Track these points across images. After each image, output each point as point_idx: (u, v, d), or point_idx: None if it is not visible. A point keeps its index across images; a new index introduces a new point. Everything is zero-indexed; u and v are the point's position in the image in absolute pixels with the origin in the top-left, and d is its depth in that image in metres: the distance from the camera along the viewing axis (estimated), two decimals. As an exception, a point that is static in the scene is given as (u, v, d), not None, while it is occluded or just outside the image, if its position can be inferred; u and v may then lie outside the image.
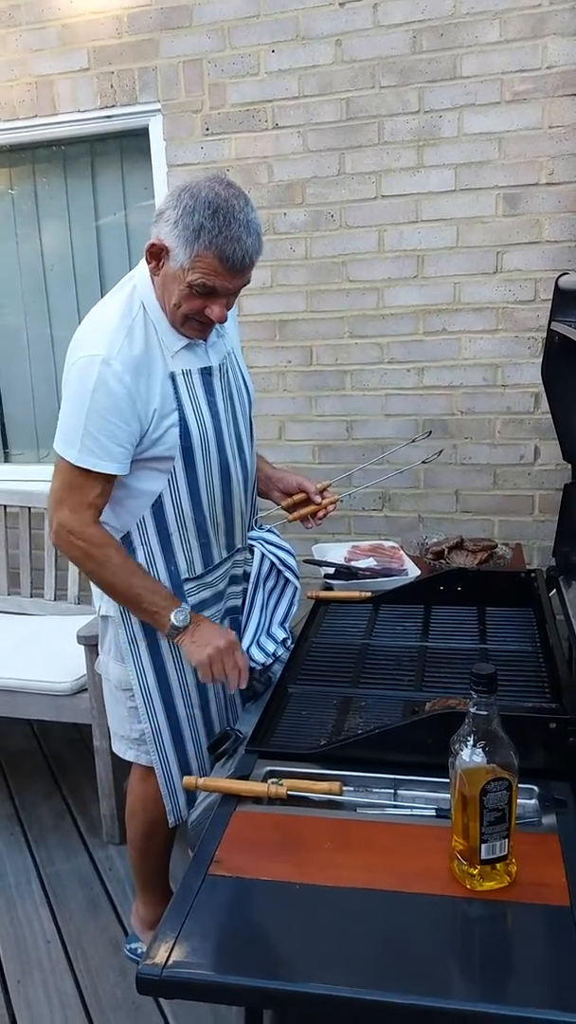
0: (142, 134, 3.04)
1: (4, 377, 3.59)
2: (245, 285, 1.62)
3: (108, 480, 1.63)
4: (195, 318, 1.62)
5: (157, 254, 1.58)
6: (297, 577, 1.90)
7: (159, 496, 1.68)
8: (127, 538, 1.71)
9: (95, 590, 1.81)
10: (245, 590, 1.85)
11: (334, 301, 2.92)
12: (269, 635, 1.84)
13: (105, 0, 2.91)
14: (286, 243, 2.91)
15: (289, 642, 1.84)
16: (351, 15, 2.69)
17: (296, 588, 1.90)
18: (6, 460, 3.65)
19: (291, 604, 1.89)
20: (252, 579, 1.83)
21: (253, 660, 1.76)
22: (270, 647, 1.81)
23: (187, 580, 1.73)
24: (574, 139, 2.57)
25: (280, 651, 1.81)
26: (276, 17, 2.76)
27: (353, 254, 2.86)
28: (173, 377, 1.64)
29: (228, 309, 1.63)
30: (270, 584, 1.87)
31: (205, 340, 1.70)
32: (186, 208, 1.51)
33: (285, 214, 2.89)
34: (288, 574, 1.87)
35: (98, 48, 2.97)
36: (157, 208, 1.61)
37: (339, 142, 2.79)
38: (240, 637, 1.76)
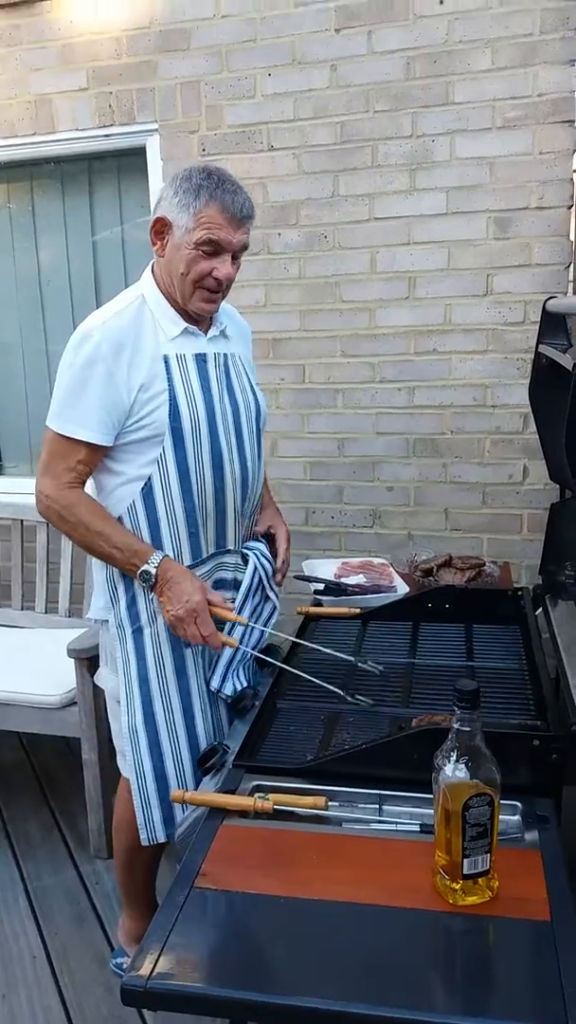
0: (139, 153, 3.08)
1: (-2, 391, 3.61)
2: (245, 248, 1.70)
3: (91, 450, 1.68)
4: (204, 286, 1.68)
5: (161, 230, 1.68)
6: (277, 596, 1.91)
7: (148, 480, 1.70)
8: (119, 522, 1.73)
9: (93, 593, 1.83)
10: (232, 598, 1.80)
11: (327, 320, 2.95)
12: (243, 667, 1.83)
13: (105, 21, 2.96)
14: (280, 263, 2.95)
15: (255, 681, 1.84)
16: (346, 41, 2.74)
17: (275, 607, 1.91)
18: (0, 473, 3.67)
19: (266, 626, 1.89)
20: (242, 592, 1.80)
21: (224, 692, 1.78)
22: (240, 683, 1.81)
23: None
24: (564, 165, 2.62)
25: (249, 689, 1.78)
26: (273, 42, 2.81)
27: (346, 275, 2.90)
28: (166, 359, 1.70)
29: (234, 271, 1.69)
30: (256, 600, 1.87)
31: (213, 314, 1.76)
32: (183, 178, 1.65)
33: (279, 234, 2.93)
34: (270, 592, 1.90)
35: (97, 68, 3.01)
36: (156, 200, 1.71)
37: (333, 164, 2.83)
38: (217, 663, 1.79)
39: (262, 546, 1.90)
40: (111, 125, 3.05)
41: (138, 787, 1.75)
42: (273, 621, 1.91)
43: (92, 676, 2.42)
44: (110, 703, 1.90)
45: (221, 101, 2.90)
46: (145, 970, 0.99)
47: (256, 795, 1.31)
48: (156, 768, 1.75)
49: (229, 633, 1.74)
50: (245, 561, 1.85)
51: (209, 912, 1.11)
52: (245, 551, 1.86)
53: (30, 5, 3.02)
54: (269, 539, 1.97)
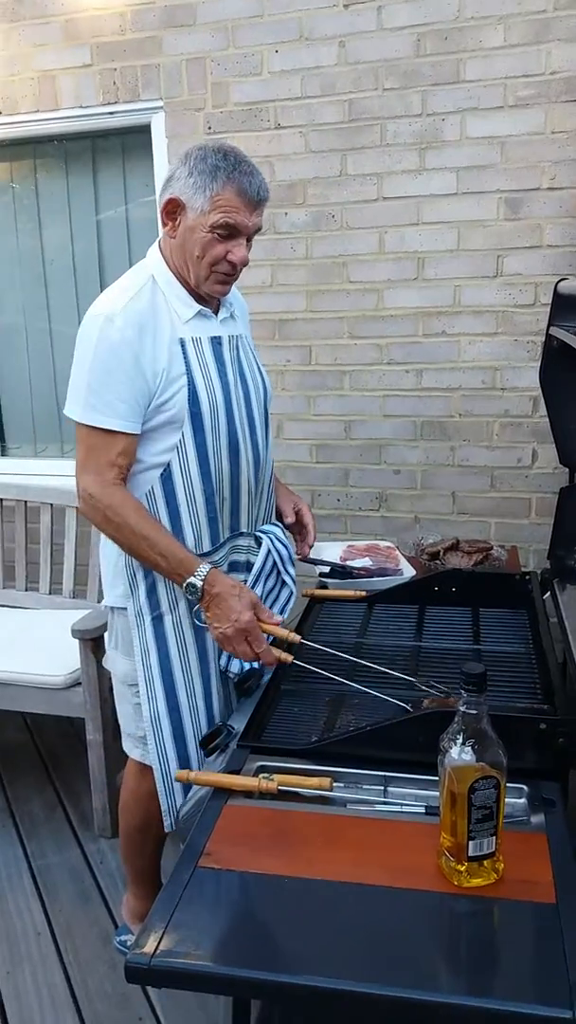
0: (144, 131, 3.05)
1: (2, 371, 3.59)
2: (259, 230, 1.67)
3: (128, 439, 1.63)
4: (219, 269, 1.64)
5: (173, 211, 1.63)
6: (294, 581, 1.89)
7: (168, 465, 1.67)
8: None
9: (104, 580, 1.81)
10: (244, 580, 1.78)
11: (334, 301, 2.93)
12: None
13: (110, -3, 2.92)
14: (287, 243, 2.92)
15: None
16: (355, 17, 2.70)
17: (292, 592, 1.89)
18: (3, 454, 3.66)
19: (283, 611, 1.87)
20: (255, 572, 1.78)
21: (230, 670, 1.76)
22: (247, 663, 1.77)
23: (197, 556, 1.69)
24: None
25: (255, 670, 1.76)
26: (280, 17, 2.77)
27: (354, 255, 2.87)
28: (182, 342, 1.66)
29: (247, 252, 1.66)
30: (270, 583, 1.85)
31: (224, 296, 1.74)
32: (197, 158, 1.59)
33: (286, 214, 2.90)
34: (286, 576, 1.87)
35: (101, 44, 2.98)
36: (165, 177, 1.66)
37: (341, 143, 2.80)
38: None
39: (278, 530, 1.88)
40: (115, 102, 3.01)
41: (162, 774, 1.73)
42: (290, 606, 1.89)
43: (96, 657, 2.42)
44: (118, 686, 1.88)
45: (227, 78, 2.87)
46: (149, 948, 0.99)
47: (261, 775, 1.31)
48: (180, 755, 1.74)
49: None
50: (258, 543, 1.83)
51: (213, 891, 1.11)
52: (259, 534, 1.84)
53: (35, -21, 2.98)
54: (297, 516, 1.97)
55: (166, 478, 1.67)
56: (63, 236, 3.34)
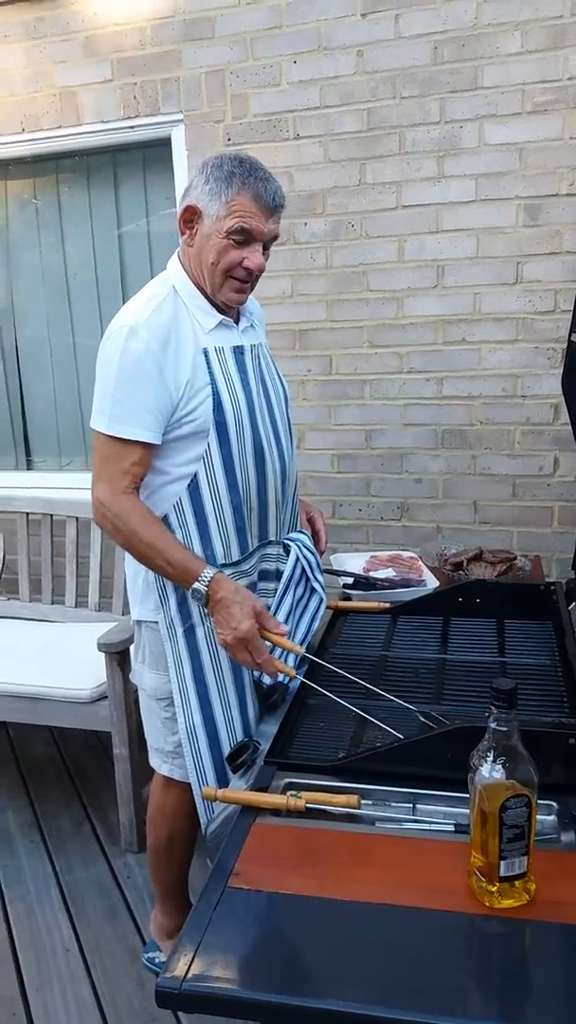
0: (164, 144, 3.07)
1: (27, 385, 3.62)
2: (275, 238, 1.68)
3: (145, 449, 1.62)
4: (234, 276, 1.65)
5: (190, 219, 1.65)
6: (323, 588, 1.89)
7: (195, 476, 1.67)
8: (164, 521, 1.68)
9: (132, 595, 1.82)
10: (274, 590, 1.80)
11: (354, 310, 2.92)
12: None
13: (129, 12, 2.94)
14: (307, 252, 2.92)
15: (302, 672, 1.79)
16: (372, 26, 2.70)
17: (322, 600, 1.89)
18: (29, 468, 3.69)
19: (313, 619, 1.87)
20: (284, 580, 1.79)
21: (263, 681, 1.74)
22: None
23: (224, 566, 1.70)
24: (596, 149, 2.57)
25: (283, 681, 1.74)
26: (298, 28, 2.78)
27: (373, 264, 2.87)
28: (205, 352, 1.66)
29: (264, 260, 1.66)
30: (299, 591, 1.84)
31: (241, 304, 1.74)
32: (214, 166, 1.61)
33: (306, 224, 2.90)
34: (316, 584, 1.87)
35: (122, 59, 3.00)
36: (184, 189, 1.68)
37: (360, 152, 2.80)
38: None
39: (305, 538, 1.88)
40: (136, 116, 3.03)
41: (199, 785, 1.73)
42: (320, 614, 1.89)
43: (123, 670, 2.42)
44: (146, 700, 1.87)
45: (246, 90, 2.88)
46: (180, 971, 0.99)
47: (288, 793, 1.30)
48: (217, 767, 1.73)
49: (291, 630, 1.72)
50: (287, 552, 1.83)
51: (242, 912, 1.10)
52: (287, 542, 1.84)
53: (54, -3, 3.01)
54: (310, 523, 1.98)
55: (193, 489, 1.68)
56: (85, 250, 3.37)
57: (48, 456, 3.67)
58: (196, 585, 1.60)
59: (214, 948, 1.03)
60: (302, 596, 1.85)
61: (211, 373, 1.66)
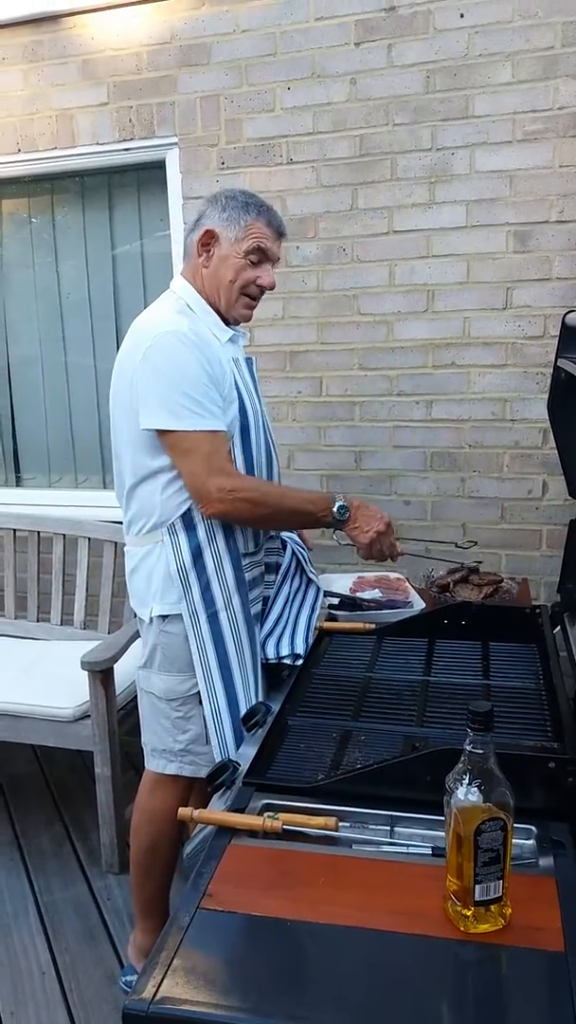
0: (159, 167, 3.10)
1: (18, 402, 3.63)
2: (278, 260, 1.88)
3: (226, 437, 1.76)
4: (248, 293, 1.83)
5: (208, 242, 1.81)
6: (318, 579, 2.03)
7: None
8: (188, 514, 1.77)
9: (149, 595, 1.84)
10: (272, 582, 1.97)
11: (344, 333, 2.94)
12: (291, 639, 1.89)
13: (126, 37, 2.98)
14: (298, 276, 2.95)
15: (300, 659, 1.86)
16: (366, 55, 2.74)
17: (319, 589, 2.02)
18: (17, 484, 3.68)
19: (313, 610, 1.97)
20: (281, 572, 1.95)
21: (265, 654, 1.85)
22: (284, 649, 1.86)
23: (244, 555, 1.84)
24: (585, 178, 2.60)
25: (289, 659, 1.85)
26: (292, 56, 2.82)
27: (364, 288, 2.89)
28: (230, 361, 1.81)
29: (273, 278, 1.85)
30: (296, 583, 1.99)
31: (248, 320, 1.90)
32: (228, 197, 1.81)
33: (298, 247, 2.92)
34: (312, 575, 2.00)
35: (118, 83, 3.03)
36: (192, 219, 1.87)
37: (352, 178, 2.83)
38: (260, 626, 1.88)
39: (294, 535, 2.07)
40: (131, 139, 3.07)
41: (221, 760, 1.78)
42: (319, 604, 2.00)
43: (106, 689, 2.41)
44: (153, 703, 1.89)
45: (240, 115, 2.91)
46: (148, 993, 0.97)
47: (266, 814, 1.29)
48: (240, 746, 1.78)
49: (267, 608, 1.94)
50: (283, 546, 2.01)
51: (214, 934, 1.09)
52: (283, 536, 2.01)
53: (52, 21, 3.05)
54: None
55: None
56: (79, 270, 3.39)
57: (37, 473, 3.66)
58: (340, 503, 1.81)
59: (184, 970, 1.01)
60: (299, 588, 1.99)
61: (235, 379, 1.80)
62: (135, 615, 1.94)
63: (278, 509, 1.78)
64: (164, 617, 1.83)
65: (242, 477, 1.78)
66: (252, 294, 1.84)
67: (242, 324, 1.92)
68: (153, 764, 1.92)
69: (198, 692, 1.82)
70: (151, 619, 1.84)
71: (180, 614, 1.80)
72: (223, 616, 1.79)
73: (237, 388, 1.80)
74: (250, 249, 1.79)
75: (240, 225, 1.78)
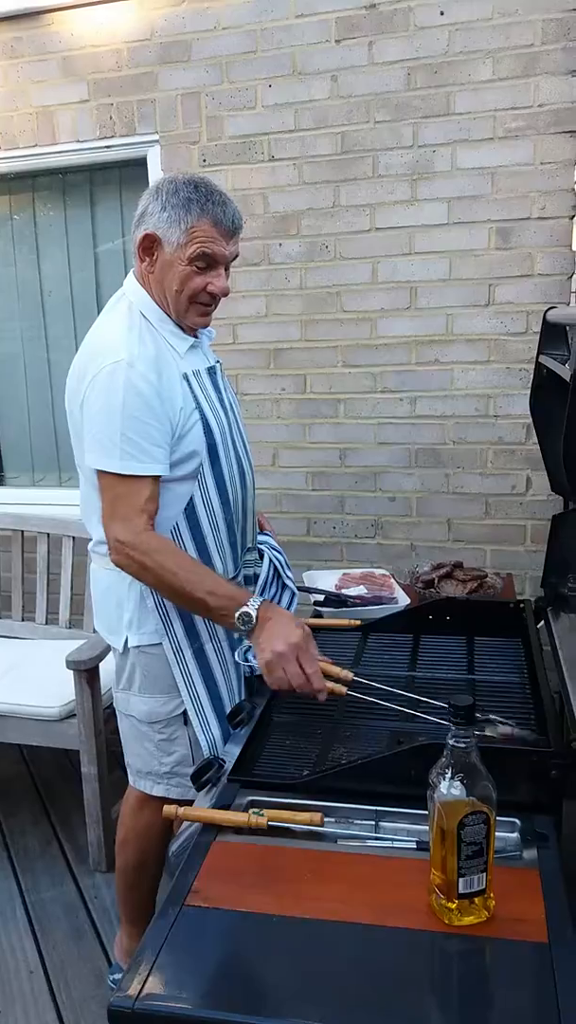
0: (140, 164, 3.09)
1: (0, 401, 3.61)
2: (235, 257, 1.67)
3: (154, 483, 1.60)
4: (199, 301, 1.65)
5: (150, 246, 1.63)
6: (294, 583, 1.97)
7: (191, 500, 1.68)
8: None
9: (122, 622, 1.75)
10: (253, 591, 1.79)
11: (328, 330, 2.95)
12: None
13: (106, 34, 2.97)
14: (281, 273, 2.95)
15: None
16: (347, 52, 2.74)
17: (294, 594, 1.95)
18: (1, 483, 3.67)
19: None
20: (260, 582, 1.85)
21: (248, 662, 1.77)
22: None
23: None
24: (566, 175, 2.61)
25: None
26: (273, 53, 2.81)
27: (347, 285, 2.89)
28: (187, 377, 1.67)
29: (227, 282, 1.66)
30: (272, 590, 1.91)
31: (206, 327, 1.75)
32: (168, 192, 1.59)
33: (280, 245, 2.92)
34: (287, 580, 1.94)
35: (99, 80, 3.02)
36: (137, 213, 1.66)
37: (334, 175, 2.83)
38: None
39: (269, 539, 1.96)
40: (112, 136, 3.05)
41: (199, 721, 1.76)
42: (294, 608, 1.93)
43: (92, 688, 2.40)
44: (134, 727, 1.82)
45: (222, 112, 2.91)
46: (133, 991, 0.97)
47: (251, 811, 1.29)
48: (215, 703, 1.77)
49: None
50: (260, 555, 1.89)
51: (200, 930, 1.09)
52: (259, 546, 1.91)
53: (32, 18, 3.03)
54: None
55: (190, 512, 1.69)
56: (61, 267, 3.37)
57: (21, 472, 3.65)
58: (245, 609, 1.54)
59: (170, 966, 1.02)
60: (275, 595, 1.91)
61: (195, 397, 1.67)
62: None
63: (172, 586, 1.57)
64: (139, 647, 1.76)
65: (146, 534, 1.56)
66: (204, 301, 1.66)
67: (211, 323, 1.79)
68: (139, 785, 1.87)
69: (183, 713, 1.75)
70: (125, 648, 1.77)
71: (159, 643, 1.72)
72: (209, 647, 1.73)
73: (199, 406, 1.66)
74: (194, 255, 1.59)
75: (181, 228, 1.58)
